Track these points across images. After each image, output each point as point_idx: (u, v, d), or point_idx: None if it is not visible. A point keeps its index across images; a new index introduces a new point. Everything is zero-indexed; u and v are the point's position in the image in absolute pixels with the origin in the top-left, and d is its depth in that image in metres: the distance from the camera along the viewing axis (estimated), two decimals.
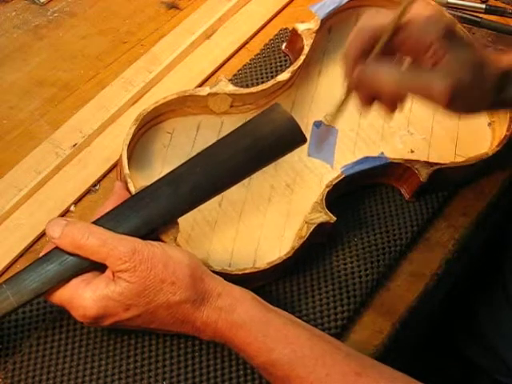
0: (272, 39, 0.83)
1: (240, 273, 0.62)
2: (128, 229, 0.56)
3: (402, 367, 0.54)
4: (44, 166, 0.70)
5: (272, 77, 0.77)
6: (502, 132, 0.74)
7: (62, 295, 0.55)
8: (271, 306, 0.57)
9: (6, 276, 0.62)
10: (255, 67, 0.80)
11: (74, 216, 0.69)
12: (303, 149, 0.71)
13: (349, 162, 0.70)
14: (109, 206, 0.59)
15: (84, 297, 0.54)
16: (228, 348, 0.60)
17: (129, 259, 0.53)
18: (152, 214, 0.58)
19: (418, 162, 0.69)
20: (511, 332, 0.88)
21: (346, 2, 0.78)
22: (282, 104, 0.64)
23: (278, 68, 0.80)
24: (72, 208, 0.69)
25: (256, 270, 0.62)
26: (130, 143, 0.65)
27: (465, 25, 0.83)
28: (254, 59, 0.81)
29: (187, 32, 0.82)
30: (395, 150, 0.74)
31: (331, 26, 0.81)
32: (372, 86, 0.58)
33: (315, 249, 0.68)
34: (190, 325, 0.56)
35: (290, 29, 0.80)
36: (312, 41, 0.75)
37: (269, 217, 0.69)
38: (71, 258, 0.55)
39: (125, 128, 0.67)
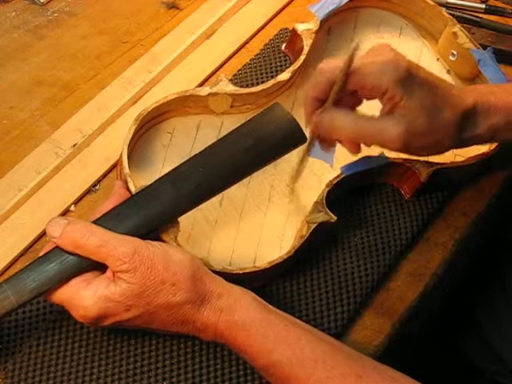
0: (272, 39, 0.83)
1: (240, 272, 0.61)
2: (128, 228, 0.56)
3: (402, 367, 0.54)
4: (44, 165, 0.70)
5: (272, 77, 0.77)
6: None
7: (62, 295, 0.55)
8: (272, 307, 0.57)
9: (6, 276, 0.62)
10: (255, 67, 0.80)
11: (74, 216, 0.69)
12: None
13: (349, 162, 0.70)
14: (109, 205, 0.59)
15: (84, 297, 0.54)
16: (228, 348, 0.60)
17: (129, 260, 0.53)
18: (152, 213, 0.58)
19: (418, 161, 0.69)
20: (511, 332, 0.88)
21: (346, 3, 0.78)
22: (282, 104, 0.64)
23: (278, 68, 0.80)
24: (72, 208, 0.69)
25: (256, 269, 0.62)
26: (130, 143, 0.65)
27: (464, 25, 0.83)
28: (253, 59, 0.81)
29: (187, 32, 0.82)
30: None
31: (331, 26, 0.82)
32: (328, 132, 0.59)
33: (315, 248, 0.68)
34: (190, 325, 0.56)
35: (290, 29, 0.80)
36: (312, 41, 0.75)
37: (269, 216, 0.69)
38: (71, 257, 0.55)
39: (125, 128, 0.67)
